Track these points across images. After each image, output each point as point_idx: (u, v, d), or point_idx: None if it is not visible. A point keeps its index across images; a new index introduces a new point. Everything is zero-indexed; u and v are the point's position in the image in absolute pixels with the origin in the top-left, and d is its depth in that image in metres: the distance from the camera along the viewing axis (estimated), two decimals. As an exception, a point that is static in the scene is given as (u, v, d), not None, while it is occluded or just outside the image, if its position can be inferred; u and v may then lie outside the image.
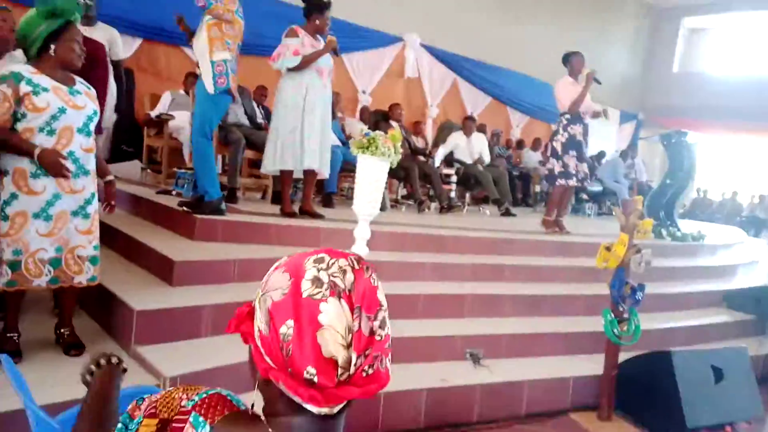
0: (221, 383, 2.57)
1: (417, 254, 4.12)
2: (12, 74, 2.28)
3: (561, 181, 5.31)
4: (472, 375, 3.23)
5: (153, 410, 0.81)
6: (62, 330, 2.62)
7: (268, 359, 0.71)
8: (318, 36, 4.18)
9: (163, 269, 3.21)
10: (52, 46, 2.34)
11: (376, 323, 0.70)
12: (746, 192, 14.58)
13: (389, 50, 9.21)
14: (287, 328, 0.69)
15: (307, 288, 0.70)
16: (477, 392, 3.12)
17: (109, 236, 3.94)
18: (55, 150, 2.32)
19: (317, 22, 4.15)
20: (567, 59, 5.36)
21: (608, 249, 3.36)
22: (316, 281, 0.70)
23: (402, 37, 9.27)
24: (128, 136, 5.88)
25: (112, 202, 2.74)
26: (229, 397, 0.83)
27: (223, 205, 3.84)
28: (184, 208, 3.82)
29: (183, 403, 0.80)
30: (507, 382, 3.23)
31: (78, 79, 2.51)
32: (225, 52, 3.64)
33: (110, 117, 4.94)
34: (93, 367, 1.04)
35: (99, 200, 2.60)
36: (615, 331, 3.28)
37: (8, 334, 2.46)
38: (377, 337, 0.70)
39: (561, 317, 4.05)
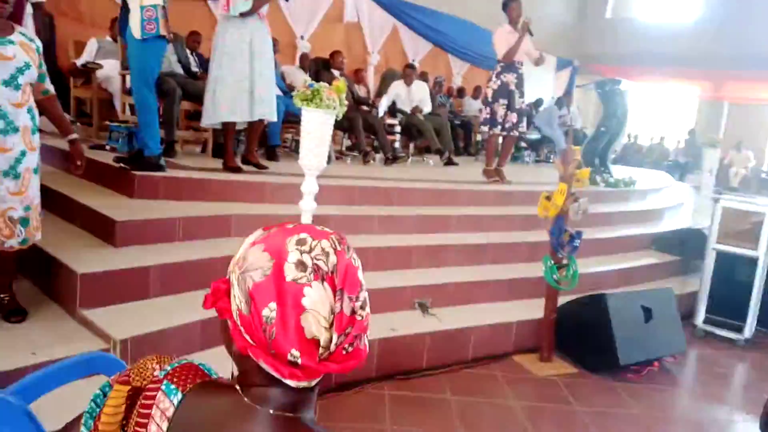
0: (172, 344, 2.57)
1: (364, 207, 4.15)
2: None
3: (484, 128, 5.45)
4: (421, 324, 3.35)
5: (126, 378, 0.81)
6: (1, 296, 2.51)
7: (247, 337, 0.71)
8: None
9: (104, 230, 3.10)
10: None
11: (358, 303, 0.72)
12: (673, 137, 15.37)
13: (328, -8, 8.90)
14: (270, 311, 0.69)
15: (290, 272, 0.69)
16: (426, 340, 3.25)
17: (43, 195, 3.73)
18: None
19: None
20: (505, 6, 5.35)
21: (548, 198, 3.50)
22: (300, 265, 0.70)
23: (341, -21, 8.97)
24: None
25: (78, 162, 2.61)
26: (201, 367, 0.83)
27: (163, 161, 3.69)
28: (122, 165, 3.66)
29: (156, 372, 0.80)
30: (454, 329, 3.37)
31: (20, 29, 2.35)
32: None
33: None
34: None
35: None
36: (554, 276, 3.45)
37: (1, 296, 2.41)
38: (358, 317, 0.72)
39: (504, 264, 4.22)
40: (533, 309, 3.69)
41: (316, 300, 0.69)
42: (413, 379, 3.14)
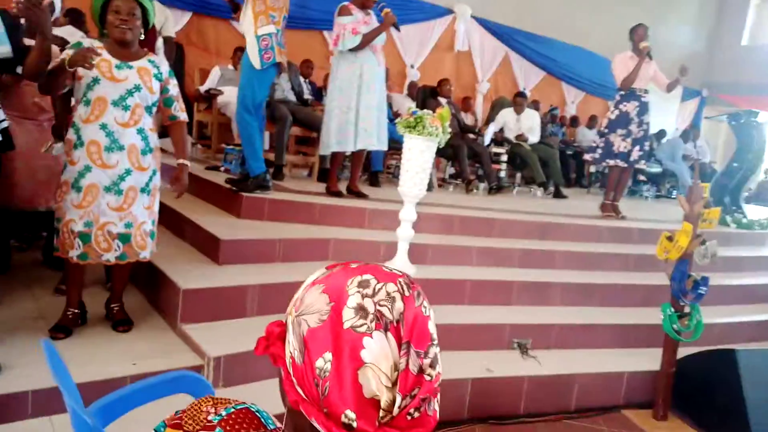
0: (262, 365, 2.55)
1: (464, 237, 4.01)
2: (75, 44, 2.40)
3: (596, 157, 5.15)
4: (520, 366, 3.12)
5: (178, 421, 0.77)
6: (112, 305, 2.66)
7: (300, 390, 0.63)
8: (367, 10, 4.03)
9: (209, 247, 3.22)
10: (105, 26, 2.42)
11: (426, 360, 0.61)
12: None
13: (439, 23, 8.95)
14: (324, 362, 0.60)
15: (349, 318, 0.60)
16: (524, 384, 3.02)
17: (162, 212, 4.00)
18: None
19: None
20: (632, 32, 5.05)
21: (670, 239, 3.16)
22: (361, 310, 0.60)
23: (452, 9, 8.99)
24: (179, 110, 5.93)
25: (176, 186, 2.66)
26: (258, 414, 0.76)
27: (268, 181, 3.79)
28: (231, 186, 3.81)
29: (209, 417, 0.75)
30: (556, 374, 3.10)
31: (151, 57, 2.51)
32: (270, 26, 3.55)
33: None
34: None
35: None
36: (674, 326, 3.09)
37: (68, 310, 2.52)
38: (426, 377, 0.61)
39: (615, 308, 3.87)
40: (647, 360, 3.32)
41: (378, 353, 0.59)
42: (508, 426, 2.91)
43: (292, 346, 0.64)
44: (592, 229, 4.67)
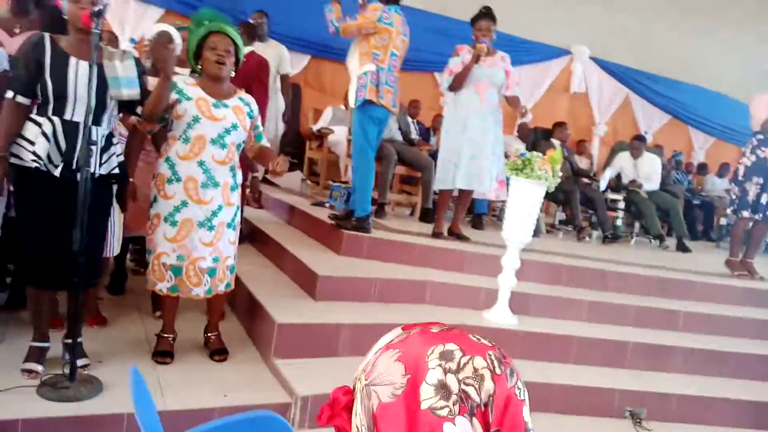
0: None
1: (573, 290, 3.72)
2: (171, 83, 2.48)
3: (730, 211, 4.72)
4: (632, 438, 2.79)
5: None
6: (209, 334, 2.72)
7: None
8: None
9: (307, 281, 3.24)
10: (200, 61, 2.52)
11: None
12: None
13: (555, 63, 8.74)
14: None
15: (428, 396, 0.51)
16: (636, 459, 2.68)
17: (261, 242, 4.14)
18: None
19: (473, 35, 3.98)
20: None
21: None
22: (442, 389, 0.51)
23: (569, 50, 8.73)
24: (293, 147, 6.21)
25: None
26: None
27: (370, 225, 3.75)
28: (333, 222, 3.84)
29: None
30: (675, 452, 2.74)
31: (241, 95, 2.60)
32: (370, 65, 3.61)
33: (275, 128, 5.24)
34: None
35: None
36: (827, 412, 2.62)
37: (164, 335, 2.60)
38: None
39: (748, 381, 3.38)
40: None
41: None
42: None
43: (359, 419, 0.56)
44: (723, 289, 4.18)
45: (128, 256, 3.61)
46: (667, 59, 9.44)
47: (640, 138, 6.51)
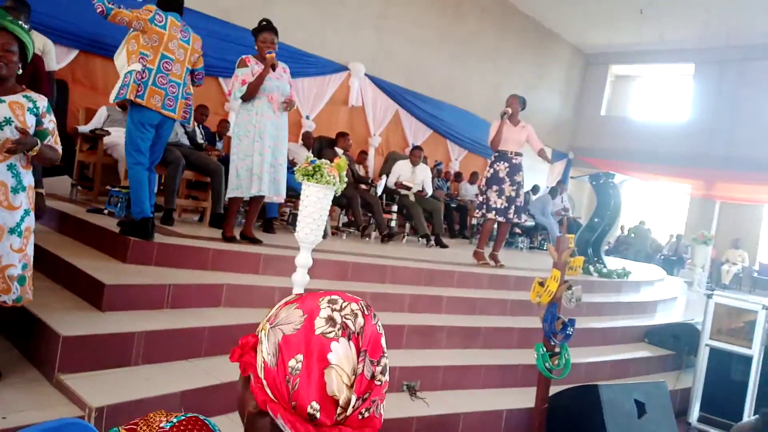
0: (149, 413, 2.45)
1: (357, 283, 4.13)
2: None
3: (478, 213, 5.63)
4: (409, 407, 3.24)
5: (133, 427, 0.83)
6: (-23, 356, 2.45)
7: (269, 392, 0.72)
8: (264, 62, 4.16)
9: (92, 293, 3.06)
10: None
11: (378, 368, 0.73)
12: (666, 231, 15.55)
13: (335, 78, 9.32)
14: (296, 362, 0.70)
15: (320, 326, 0.71)
16: (413, 424, 3.13)
17: (34, 255, 3.73)
18: None
19: (257, 46, 4.16)
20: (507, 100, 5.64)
21: (541, 284, 3.49)
22: (330, 320, 0.72)
23: (347, 66, 9.41)
24: (58, 149, 5.61)
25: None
26: (207, 422, 0.84)
27: (150, 229, 3.63)
28: (122, 229, 3.66)
29: (162, 424, 0.82)
30: (443, 414, 3.26)
31: (26, 93, 2.41)
32: (136, 64, 3.61)
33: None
34: None
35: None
36: (547, 364, 3.38)
37: None
38: (377, 382, 0.73)
39: (495, 350, 4.15)
40: (525, 397, 3.59)
41: (341, 356, 0.71)
42: (398, 467, 3.00)
43: (265, 353, 0.74)
44: (475, 276, 5.00)
45: None
46: (431, 81, 10.83)
47: (419, 148, 7.40)
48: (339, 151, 6.41)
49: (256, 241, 4.20)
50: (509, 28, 12.66)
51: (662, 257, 14.07)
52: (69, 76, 6.23)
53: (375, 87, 9.95)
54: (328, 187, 3.31)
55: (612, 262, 7.73)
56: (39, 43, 4.80)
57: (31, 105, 2.41)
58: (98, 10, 3.52)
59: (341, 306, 0.74)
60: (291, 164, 6.18)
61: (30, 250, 2.43)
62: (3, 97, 2.33)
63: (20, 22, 2.43)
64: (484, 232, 5.75)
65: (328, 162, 3.35)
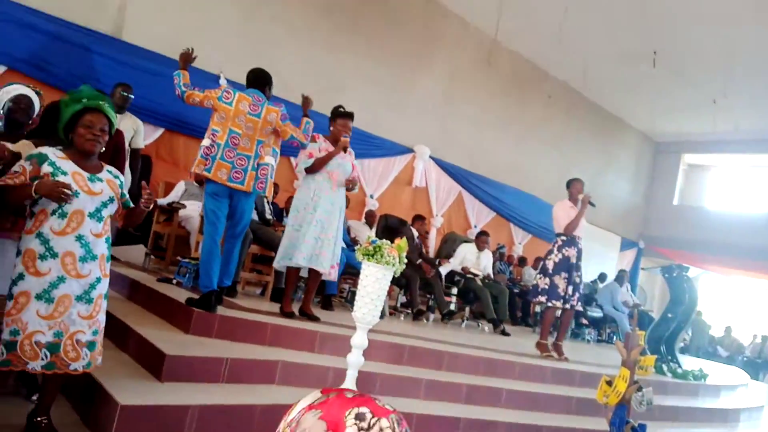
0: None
1: (413, 368, 4.01)
2: (38, 154, 2.40)
3: (541, 298, 5.36)
4: None
5: None
6: (39, 419, 2.50)
7: None
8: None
9: (153, 362, 3.12)
10: (71, 134, 2.49)
11: None
12: (745, 331, 14.41)
13: (400, 159, 9.56)
14: None
15: None
16: None
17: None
18: (51, 180, 2.33)
19: (333, 129, 4.36)
20: (568, 184, 5.57)
21: (609, 383, 3.28)
22: None
23: (413, 149, 9.66)
24: (137, 219, 5.96)
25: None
26: None
27: (213, 302, 3.71)
28: (191, 304, 3.75)
29: None
30: None
31: (108, 167, 2.59)
32: (207, 139, 3.84)
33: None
34: None
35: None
36: (615, 473, 3.11)
37: (39, 418, 2.43)
38: None
39: (558, 451, 3.86)
40: None
41: None
42: None
43: None
44: (538, 369, 4.76)
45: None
46: (494, 164, 10.93)
47: (485, 233, 7.37)
48: (414, 232, 6.51)
49: (313, 318, 4.21)
50: (575, 113, 12.71)
51: (745, 359, 12.98)
52: (153, 152, 6.70)
53: (439, 168, 10.11)
54: (388, 267, 3.31)
55: (688, 362, 7.19)
56: (133, 123, 5.26)
57: (118, 180, 2.59)
58: (176, 93, 3.87)
59: (369, 424, 0.69)
60: (353, 242, 6.27)
61: (101, 317, 2.50)
62: (99, 176, 2.51)
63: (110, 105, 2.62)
64: (546, 320, 5.53)
65: (389, 243, 3.37)
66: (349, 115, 4.39)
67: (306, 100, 4.34)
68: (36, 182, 2.30)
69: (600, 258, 11.02)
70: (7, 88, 3.02)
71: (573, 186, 5.52)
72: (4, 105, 2.93)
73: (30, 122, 3.06)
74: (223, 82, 4.28)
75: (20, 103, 2.94)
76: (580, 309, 5.45)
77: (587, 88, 12.50)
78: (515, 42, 10.79)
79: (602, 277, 10.44)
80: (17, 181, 2.31)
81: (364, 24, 8.89)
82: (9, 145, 2.57)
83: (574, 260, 5.30)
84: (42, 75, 5.80)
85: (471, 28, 10.39)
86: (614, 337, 8.86)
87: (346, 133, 4.32)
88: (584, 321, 8.76)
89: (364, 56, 8.91)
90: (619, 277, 9.65)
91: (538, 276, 5.48)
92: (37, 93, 3.23)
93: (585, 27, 9.65)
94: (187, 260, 4.85)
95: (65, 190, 2.29)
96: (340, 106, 4.47)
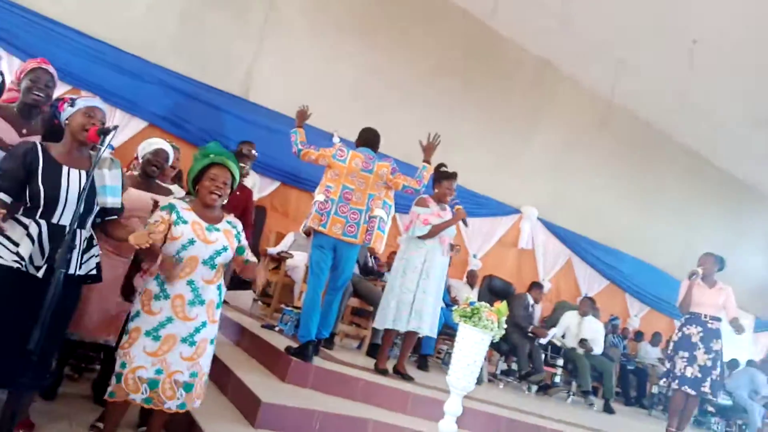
0: None
1: (510, 442, 3.77)
2: (169, 205, 2.62)
3: (664, 381, 5.05)
4: None
5: None
6: (142, 450, 2.62)
7: None
8: (443, 205, 4.34)
9: (249, 407, 3.18)
10: (197, 186, 2.68)
11: None
12: None
13: (505, 220, 9.35)
14: None
15: None
16: None
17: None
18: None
19: (438, 190, 4.35)
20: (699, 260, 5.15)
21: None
22: None
23: (519, 209, 9.42)
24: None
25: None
26: None
27: (309, 353, 3.77)
28: (290, 353, 3.83)
29: None
30: None
31: (228, 218, 2.75)
32: (320, 195, 3.96)
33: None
34: None
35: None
36: None
37: None
38: None
39: None
40: None
41: None
42: None
43: None
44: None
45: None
46: (608, 229, 10.31)
47: (589, 298, 6.97)
48: (529, 299, 6.32)
49: (407, 378, 4.12)
50: (700, 180, 11.81)
51: None
52: (268, 204, 7.10)
53: (547, 231, 9.74)
54: (485, 331, 3.18)
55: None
56: (255, 178, 5.65)
57: (235, 231, 2.74)
58: (293, 151, 4.08)
59: None
60: (453, 301, 6.14)
61: (203, 361, 2.59)
62: (217, 226, 2.67)
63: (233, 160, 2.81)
64: (670, 405, 5.02)
65: (488, 305, 3.25)
66: (454, 176, 4.39)
67: (428, 146, 4.30)
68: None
69: (730, 340, 9.90)
70: (150, 140, 3.36)
71: (700, 260, 5.11)
72: (144, 156, 3.25)
73: (163, 174, 3.38)
74: (336, 140, 4.48)
75: (159, 155, 3.24)
76: (711, 398, 4.87)
77: (716, 154, 11.63)
78: (633, 103, 10.36)
79: (732, 363, 9.24)
80: (161, 228, 2.52)
81: (475, 85, 8.99)
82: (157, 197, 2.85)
83: (696, 339, 4.82)
84: (178, 131, 6.43)
85: (585, 90, 10.15)
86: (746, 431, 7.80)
87: (450, 195, 4.32)
88: (710, 409, 7.82)
89: (474, 117, 8.96)
90: (764, 365, 8.52)
91: (659, 354, 5.08)
92: (175, 148, 3.57)
93: (713, 89, 9.08)
94: (290, 308, 5.00)
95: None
96: (442, 164, 4.48)
